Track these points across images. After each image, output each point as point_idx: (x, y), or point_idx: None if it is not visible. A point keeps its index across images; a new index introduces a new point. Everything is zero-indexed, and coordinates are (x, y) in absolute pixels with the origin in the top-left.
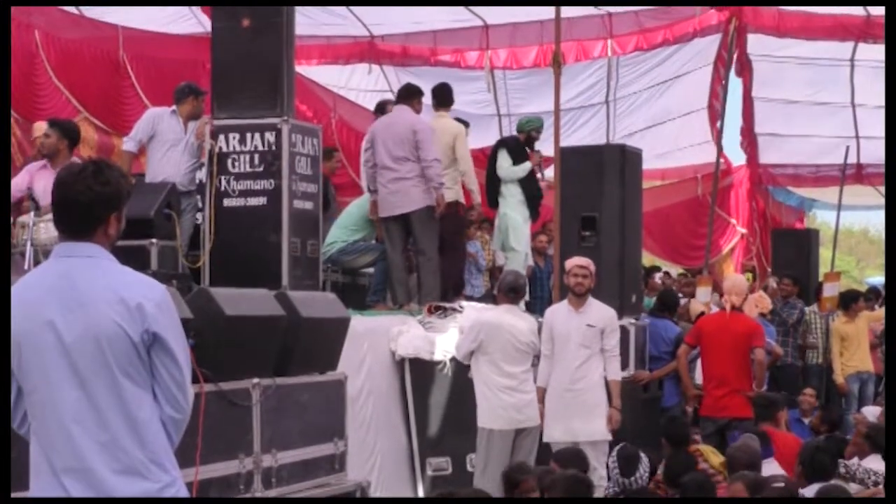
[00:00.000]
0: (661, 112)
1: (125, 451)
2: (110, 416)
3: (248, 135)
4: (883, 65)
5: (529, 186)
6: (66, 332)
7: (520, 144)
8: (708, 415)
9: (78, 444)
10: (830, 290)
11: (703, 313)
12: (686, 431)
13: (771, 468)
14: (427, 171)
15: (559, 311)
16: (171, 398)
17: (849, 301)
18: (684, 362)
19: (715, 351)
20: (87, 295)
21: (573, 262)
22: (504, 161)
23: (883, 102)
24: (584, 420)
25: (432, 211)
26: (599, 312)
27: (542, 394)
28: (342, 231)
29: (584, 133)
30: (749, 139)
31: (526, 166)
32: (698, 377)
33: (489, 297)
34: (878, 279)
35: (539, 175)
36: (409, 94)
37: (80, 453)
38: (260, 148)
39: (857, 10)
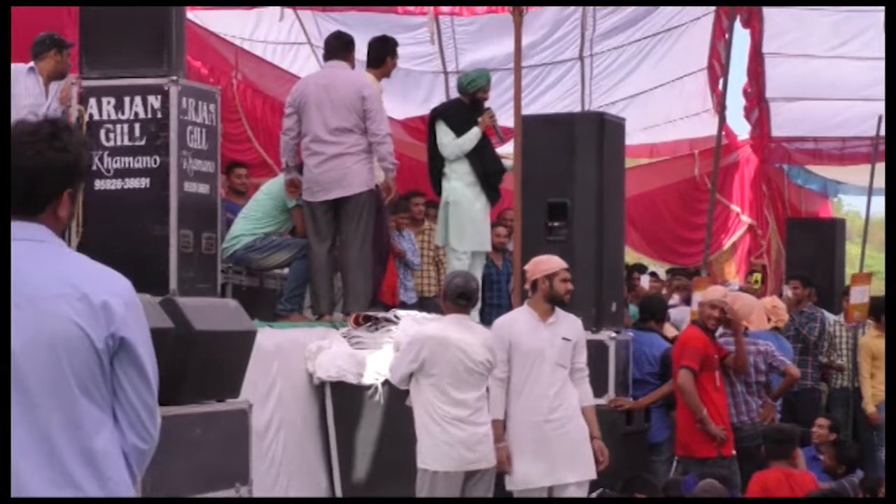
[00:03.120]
0: (649, 73)
1: (82, 491)
2: (63, 449)
3: (127, 99)
4: None
5: (482, 162)
6: (12, 335)
7: (463, 110)
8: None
9: (25, 483)
10: (859, 296)
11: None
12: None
13: None
14: (380, 149)
15: (520, 322)
16: (137, 423)
17: (881, 311)
18: (690, 388)
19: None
20: (38, 289)
21: (558, 262)
22: (444, 135)
23: None
24: (568, 459)
25: (375, 197)
26: (569, 323)
27: (501, 429)
28: (249, 223)
29: (552, 97)
30: (758, 106)
31: (473, 134)
32: None
33: (432, 306)
34: None
35: (497, 138)
36: (344, 47)
37: (28, 494)
38: (141, 115)
39: None
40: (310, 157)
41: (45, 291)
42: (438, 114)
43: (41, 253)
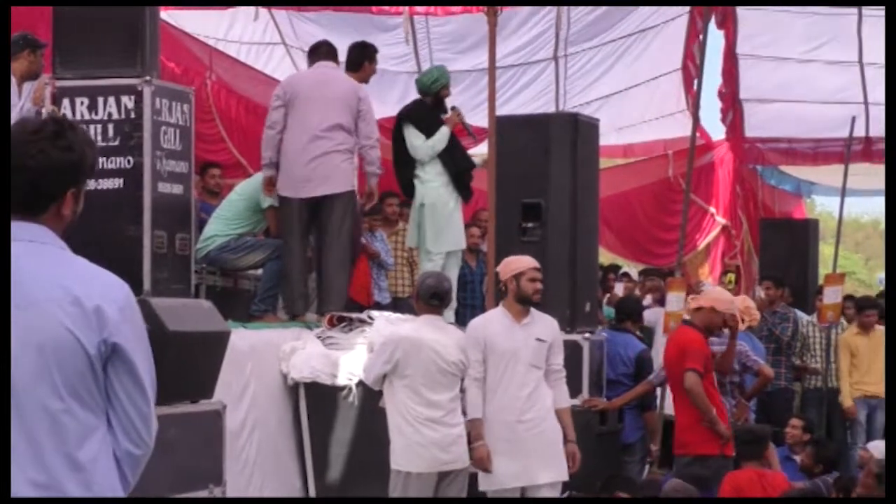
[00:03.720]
0: (624, 73)
1: (67, 495)
2: (49, 452)
3: (100, 99)
4: None
5: (453, 160)
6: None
7: (427, 110)
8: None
9: (11, 487)
10: (832, 296)
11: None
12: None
13: None
14: (371, 153)
15: (495, 323)
16: (131, 429)
17: (870, 307)
18: (700, 390)
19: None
20: (32, 291)
21: (527, 261)
22: (415, 138)
23: None
24: (541, 459)
25: (356, 198)
26: (545, 323)
27: (480, 428)
28: (223, 223)
29: (526, 97)
30: (732, 107)
31: (443, 133)
32: (669, 407)
33: (406, 307)
34: None
35: (469, 137)
36: (333, 52)
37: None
38: (115, 116)
39: None
40: (297, 153)
41: (37, 294)
42: (405, 117)
43: (38, 254)
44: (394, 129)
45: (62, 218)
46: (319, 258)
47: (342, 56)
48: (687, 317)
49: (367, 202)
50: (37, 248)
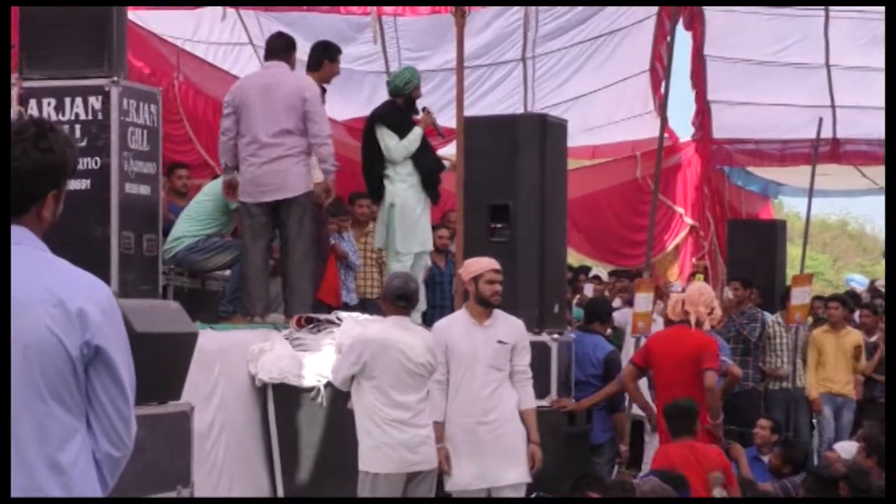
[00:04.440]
0: (592, 75)
1: (48, 496)
2: (31, 454)
3: (67, 100)
4: (865, 16)
5: (424, 161)
6: None
7: (399, 111)
8: None
9: None
10: (800, 297)
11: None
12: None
13: None
14: (321, 150)
15: (456, 326)
16: (111, 431)
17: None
18: (633, 384)
19: (664, 375)
20: (16, 294)
21: (485, 263)
22: (389, 139)
23: (864, 63)
24: (503, 461)
25: (313, 199)
26: (509, 326)
27: (441, 430)
28: (191, 224)
29: (494, 98)
30: (700, 108)
31: (416, 134)
32: (636, 408)
33: (374, 308)
34: (861, 278)
35: (438, 133)
36: (286, 48)
37: None
38: (82, 116)
39: None
40: (249, 159)
41: (22, 296)
42: (377, 118)
43: (21, 256)
44: (364, 131)
45: (42, 220)
46: (283, 261)
47: (305, 53)
48: (656, 316)
49: (325, 199)
50: (20, 251)
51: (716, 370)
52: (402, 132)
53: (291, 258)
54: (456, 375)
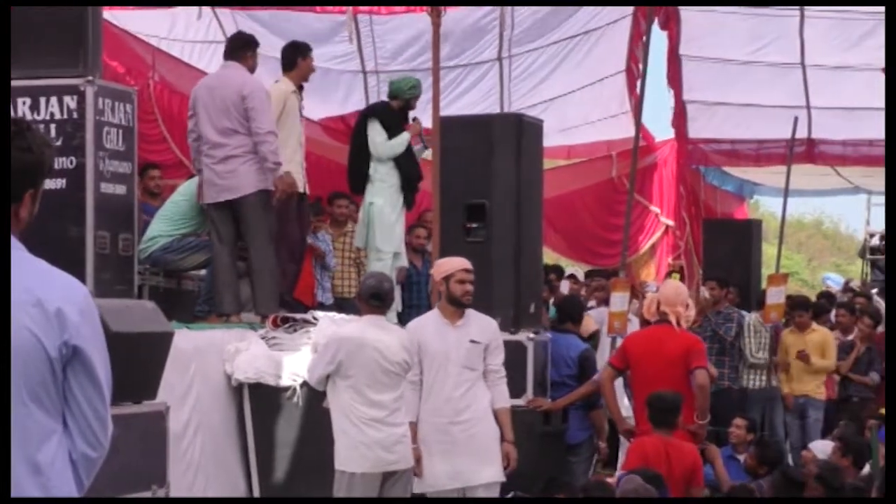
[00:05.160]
0: (568, 75)
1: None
2: (12, 455)
3: (42, 99)
4: (840, 16)
5: (407, 167)
6: None
7: (393, 113)
8: None
9: None
10: (775, 296)
11: (597, 331)
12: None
13: None
14: (261, 147)
15: (429, 326)
16: (88, 432)
17: (795, 307)
18: (610, 389)
19: (646, 376)
20: None
21: (456, 263)
22: (377, 135)
23: (840, 63)
24: (476, 460)
25: (268, 197)
26: (481, 325)
27: (414, 430)
28: (166, 224)
29: (470, 99)
30: (676, 108)
31: (405, 138)
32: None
33: (350, 307)
34: (837, 277)
35: (420, 146)
36: (241, 47)
37: None
38: (57, 116)
39: None
40: (203, 160)
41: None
42: (373, 112)
43: None
44: (356, 124)
45: (19, 220)
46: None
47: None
48: (632, 316)
49: (279, 193)
50: None
51: (706, 368)
52: (391, 133)
53: (250, 257)
54: (429, 375)
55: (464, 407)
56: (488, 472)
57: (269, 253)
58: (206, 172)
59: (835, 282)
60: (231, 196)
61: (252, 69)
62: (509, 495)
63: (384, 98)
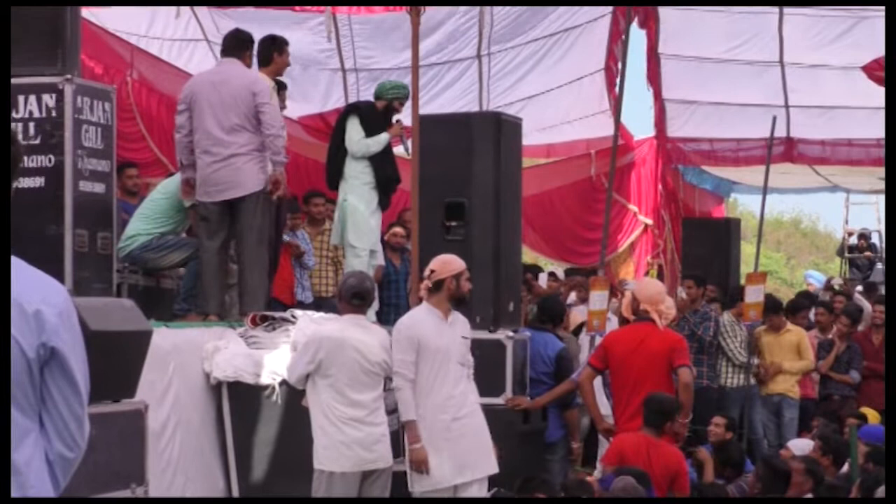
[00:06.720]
0: (547, 73)
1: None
2: None
3: (21, 98)
4: (819, 14)
5: (383, 167)
6: None
7: (376, 113)
8: None
9: None
10: (754, 295)
11: (582, 325)
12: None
13: None
14: (275, 142)
15: (428, 323)
16: (65, 433)
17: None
18: (589, 390)
19: (629, 374)
20: None
21: (461, 262)
22: (355, 132)
23: (819, 62)
24: (478, 455)
25: (266, 196)
26: (462, 321)
27: (417, 429)
28: (145, 222)
29: (449, 97)
30: (655, 107)
31: (382, 139)
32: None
33: (330, 306)
34: (819, 275)
35: (402, 146)
36: (241, 45)
37: None
38: (36, 114)
39: None
40: (202, 156)
41: None
42: (353, 109)
43: None
44: (338, 120)
45: None
46: (236, 259)
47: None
48: (611, 315)
49: (273, 191)
50: None
51: (689, 367)
52: (370, 132)
53: (245, 255)
54: (429, 373)
55: (462, 403)
56: (485, 465)
57: (262, 252)
58: (204, 170)
59: (816, 279)
60: (234, 195)
61: (249, 67)
62: (492, 492)
63: (363, 97)
